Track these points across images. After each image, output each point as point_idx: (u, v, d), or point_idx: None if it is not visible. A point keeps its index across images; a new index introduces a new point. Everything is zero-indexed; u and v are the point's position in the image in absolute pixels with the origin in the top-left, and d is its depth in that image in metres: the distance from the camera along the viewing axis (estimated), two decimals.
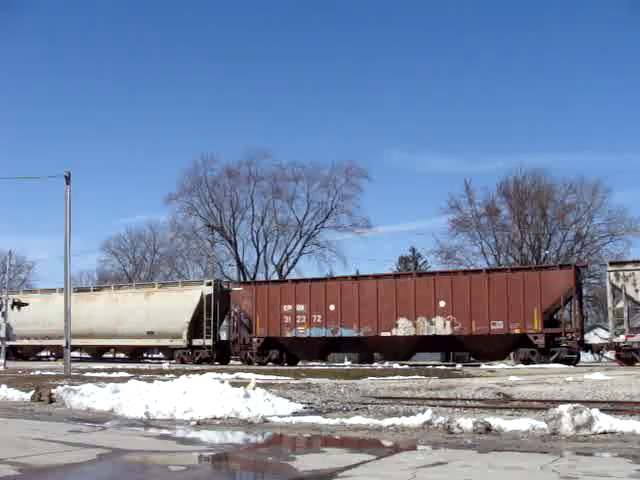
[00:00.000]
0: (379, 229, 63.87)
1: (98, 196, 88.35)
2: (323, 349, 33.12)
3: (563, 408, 8.36)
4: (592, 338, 36.88)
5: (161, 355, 40.41)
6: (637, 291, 28.13)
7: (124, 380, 14.36)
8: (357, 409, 11.38)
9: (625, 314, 28.11)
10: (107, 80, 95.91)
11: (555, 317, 29.90)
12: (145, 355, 42.80)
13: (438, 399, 12.96)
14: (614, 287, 28.68)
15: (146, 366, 28.54)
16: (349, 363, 31.28)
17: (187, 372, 17.04)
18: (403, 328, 30.55)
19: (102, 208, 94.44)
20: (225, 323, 38.37)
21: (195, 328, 35.33)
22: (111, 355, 43.52)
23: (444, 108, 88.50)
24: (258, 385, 12.17)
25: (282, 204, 58.30)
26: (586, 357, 32.36)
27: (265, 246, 58.36)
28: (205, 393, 10.94)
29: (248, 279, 52.50)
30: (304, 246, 58.02)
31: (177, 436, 8.89)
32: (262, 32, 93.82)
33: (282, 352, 33.36)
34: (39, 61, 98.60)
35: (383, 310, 30.89)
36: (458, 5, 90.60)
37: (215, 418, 10.16)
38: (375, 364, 30.20)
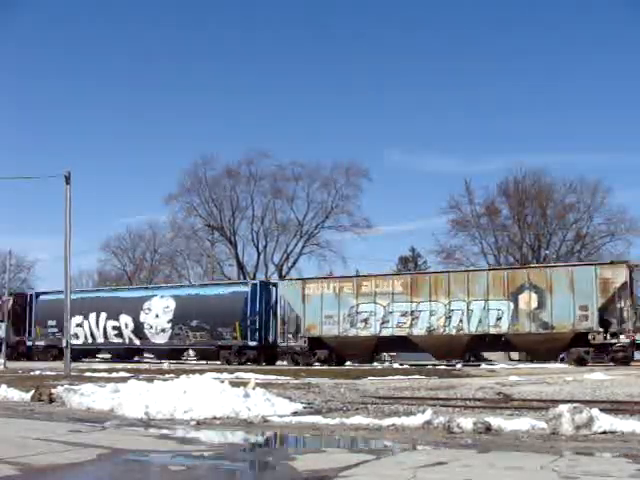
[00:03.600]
0: (379, 229, 63.64)
1: (98, 196, 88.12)
2: None
3: (563, 408, 8.35)
4: None
5: None
6: None
7: (124, 380, 14.37)
8: (357, 409, 11.37)
9: None
10: (107, 80, 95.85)
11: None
12: None
13: (438, 399, 12.95)
14: None
15: (146, 366, 28.54)
16: None
17: (187, 372, 17.04)
18: None
19: (102, 208, 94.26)
20: None
21: None
22: None
23: (444, 108, 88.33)
24: (258, 385, 12.16)
25: (282, 204, 58.30)
26: None
27: (265, 246, 58.38)
28: (205, 393, 10.94)
29: (248, 279, 52.46)
30: (304, 246, 58.03)
31: (177, 436, 8.89)
32: (263, 32, 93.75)
33: None
34: (39, 61, 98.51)
35: None
36: (458, 5, 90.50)
37: (215, 418, 10.16)
38: (375, 364, 30.11)
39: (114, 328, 35.91)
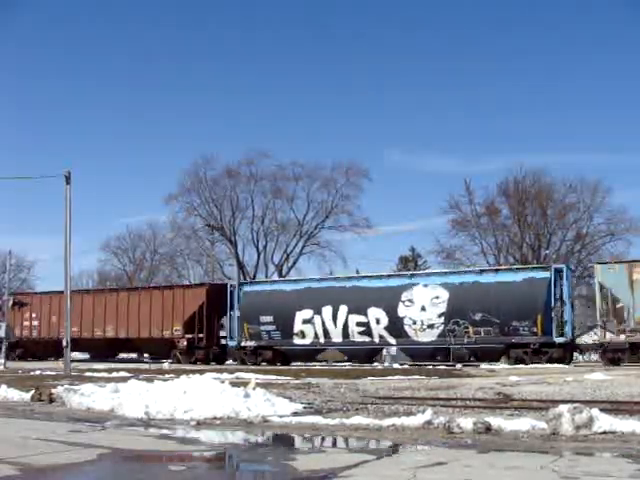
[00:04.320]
0: (379, 229, 63.60)
1: (98, 196, 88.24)
2: None
3: (563, 408, 8.35)
4: None
5: None
6: None
7: (124, 380, 14.37)
8: (357, 409, 11.37)
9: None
10: (107, 80, 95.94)
11: None
12: None
13: (438, 399, 12.95)
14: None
15: (146, 366, 28.54)
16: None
17: (187, 372, 17.03)
18: None
19: (102, 208, 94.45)
20: None
21: None
22: None
23: (444, 108, 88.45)
24: (258, 385, 12.17)
25: (282, 204, 58.30)
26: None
27: (265, 246, 58.37)
28: (205, 393, 10.95)
29: (248, 279, 52.44)
30: (304, 246, 58.02)
31: (177, 436, 8.89)
32: (263, 32, 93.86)
33: None
34: (39, 61, 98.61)
35: None
36: (458, 5, 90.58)
37: (215, 418, 10.16)
38: (375, 364, 30.06)
39: (359, 324, 29.61)
